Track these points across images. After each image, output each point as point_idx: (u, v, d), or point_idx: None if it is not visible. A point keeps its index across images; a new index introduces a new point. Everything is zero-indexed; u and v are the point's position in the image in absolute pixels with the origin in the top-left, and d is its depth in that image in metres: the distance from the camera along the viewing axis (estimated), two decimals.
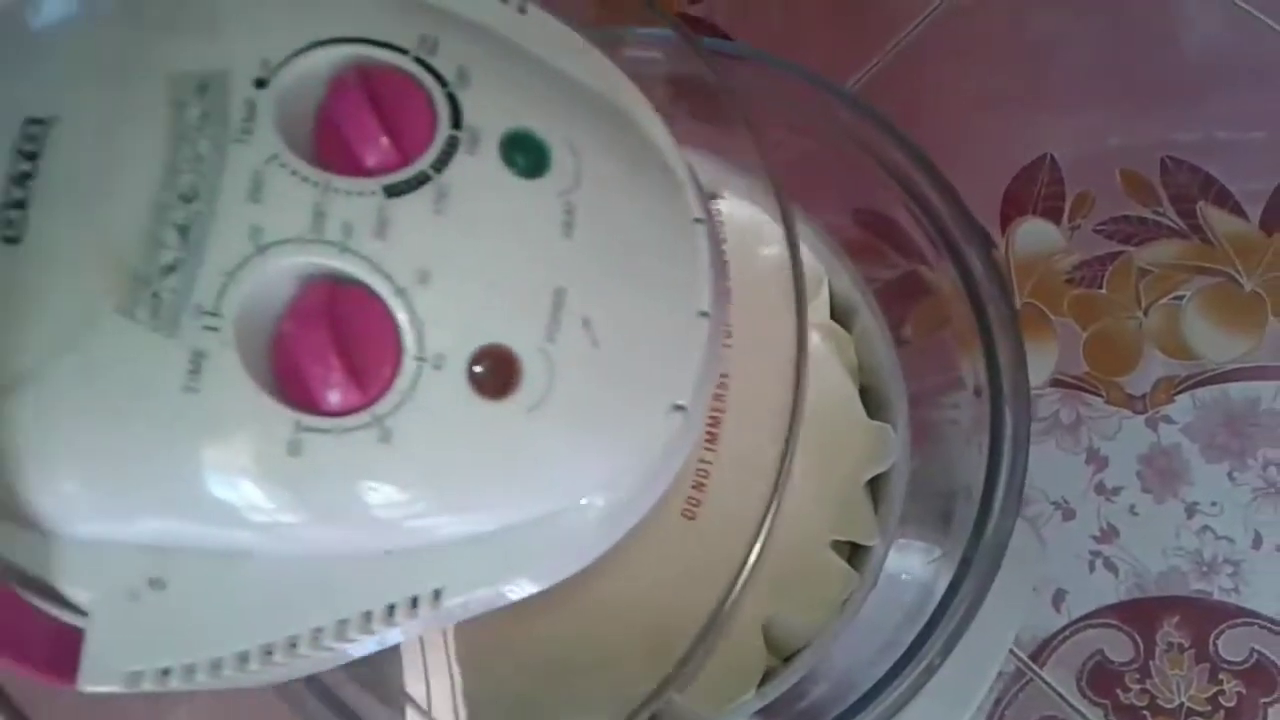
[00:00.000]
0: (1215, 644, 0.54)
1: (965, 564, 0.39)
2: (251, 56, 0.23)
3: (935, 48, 0.67)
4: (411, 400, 0.23)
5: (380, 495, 0.23)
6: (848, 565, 0.41)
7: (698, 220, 0.26)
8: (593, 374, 0.24)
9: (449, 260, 0.23)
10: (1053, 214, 0.63)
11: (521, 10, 0.26)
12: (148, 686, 0.24)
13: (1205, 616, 0.54)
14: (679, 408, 0.25)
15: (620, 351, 0.24)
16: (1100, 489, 0.57)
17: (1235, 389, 0.58)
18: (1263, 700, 0.53)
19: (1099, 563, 0.56)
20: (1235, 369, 0.59)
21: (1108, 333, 0.60)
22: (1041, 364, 0.60)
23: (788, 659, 0.41)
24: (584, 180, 0.25)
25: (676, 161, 0.27)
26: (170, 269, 0.22)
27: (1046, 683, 0.54)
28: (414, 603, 0.24)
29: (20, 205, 0.23)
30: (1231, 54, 0.65)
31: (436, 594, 0.24)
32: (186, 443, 0.23)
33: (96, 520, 0.24)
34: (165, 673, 0.24)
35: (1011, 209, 0.63)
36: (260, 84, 0.23)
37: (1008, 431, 0.40)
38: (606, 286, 0.25)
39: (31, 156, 0.23)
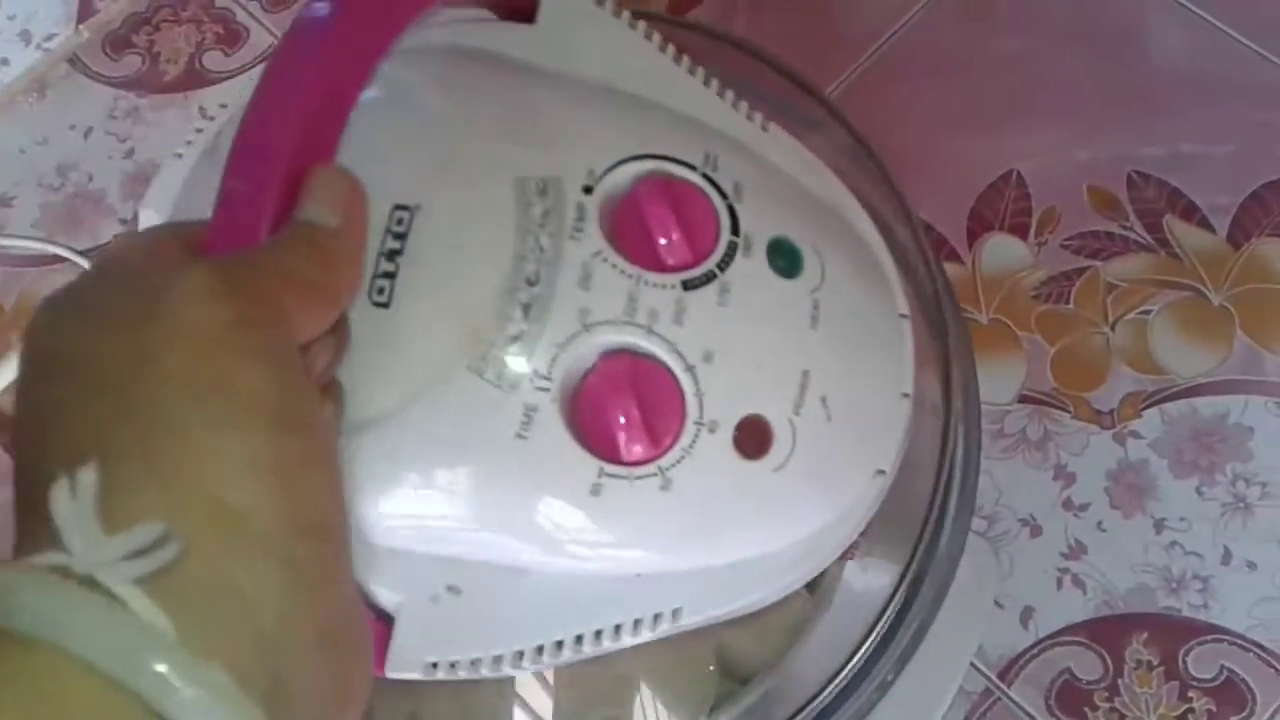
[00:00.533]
0: (1185, 661, 0.54)
1: (916, 582, 0.39)
2: (580, 167, 0.29)
3: (902, 64, 0.67)
4: (690, 456, 0.28)
5: (654, 532, 0.29)
6: (803, 588, 0.40)
7: (903, 315, 0.32)
8: (825, 442, 0.30)
9: (727, 344, 0.28)
10: (1019, 230, 0.63)
11: (764, 129, 0.32)
12: (440, 676, 0.29)
13: (1174, 633, 0.54)
14: (881, 472, 0.31)
15: (846, 424, 0.30)
16: (1068, 505, 0.57)
17: (1203, 404, 0.58)
18: (1234, 718, 0.53)
19: (1067, 580, 0.55)
20: (1203, 384, 0.58)
21: (1075, 348, 0.60)
22: (1009, 380, 0.59)
23: (744, 681, 0.41)
24: (826, 280, 0.30)
25: (887, 262, 0.33)
26: (515, 339, 0.27)
27: (1014, 701, 0.53)
28: (656, 619, 0.29)
29: (390, 276, 0.27)
30: (1197, 68, 0.65)
31: (675, 613, 0.29)
32: (513, 478, 0.28)
33: (416, 537, 0.28)
34: (454, 665, 0.29)
35: (978, 225, 0.63)
36: (587, 190, 0.29)
37: (959, 448, 0.40)
38: (840, 370, 0.30)
39: (400, 237, 0.27)
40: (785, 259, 0.30)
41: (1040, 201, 0.63)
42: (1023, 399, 0.59)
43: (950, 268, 0.62)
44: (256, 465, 0.21)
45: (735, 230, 0.29)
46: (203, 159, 0.36)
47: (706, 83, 0.33)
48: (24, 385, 0.22)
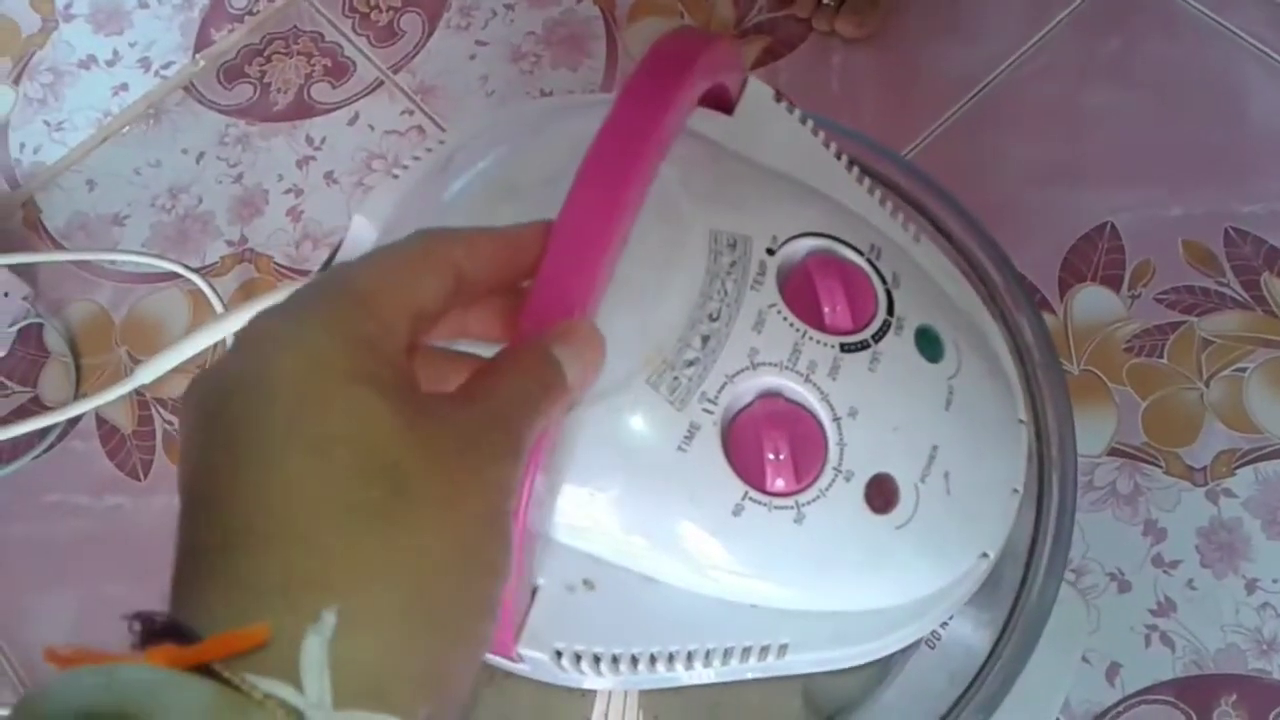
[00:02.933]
0: None
1: (1006, 629, 0.38)
2: (766, 232, 0.32)
3: (994, 115, 0.67)
4: (824, 498, 0.31)
5: (779, 563, 0.31)
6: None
7: (1021, 421, 0.35)
8: (943, 513, 0.32)
9: (872, 406, 0.31)
10: (1112, 282, 0.62)
11: (917, 240, 0.36)
12: (564, 664, 0.31)
13: (1264, 696, 0.53)
14: (986, 556, 0.33)
15: (962, 502, 0.32)
16: (1158, 561, 0.56)
17: None
18: None
19: (1155, 637, 0.55)
20: None
21: (1168, 403, 0.59)
22: (1099, 433, 0.59)
23: (828, 718, 0.41)
24: (961, 372, 0.33)
25: (1012, 373, 0.36)
26: (691, 363, 0.30)
27: None
28: (764, 650, 0.31)
29: None
30: None
31: (782, 648, 0.31)
32: (667, 486, 0.30)
33: (567, 529, 0.31)
34: (578, 656, 0.31)
35: (1070, 275, 0.63)
36: (770, 252, 0.32)
37: (1053, 497, 0.40)
38: (964, 453, 0.32)
39: None
40: (930, 345, 0.33)
41: (1134, 254, 0.63)
42: (1113, 452, 0.58)
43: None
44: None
45: (890, 311, 0.33)
46: (428, 178, 0.38)
47: (870, 191, 0.37)
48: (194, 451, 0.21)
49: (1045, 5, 0.70)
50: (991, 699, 0.37)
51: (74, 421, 0.65)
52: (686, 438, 0.30)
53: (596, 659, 0.31)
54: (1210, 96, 0.66)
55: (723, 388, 0.31)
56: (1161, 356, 0.60)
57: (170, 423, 0.65)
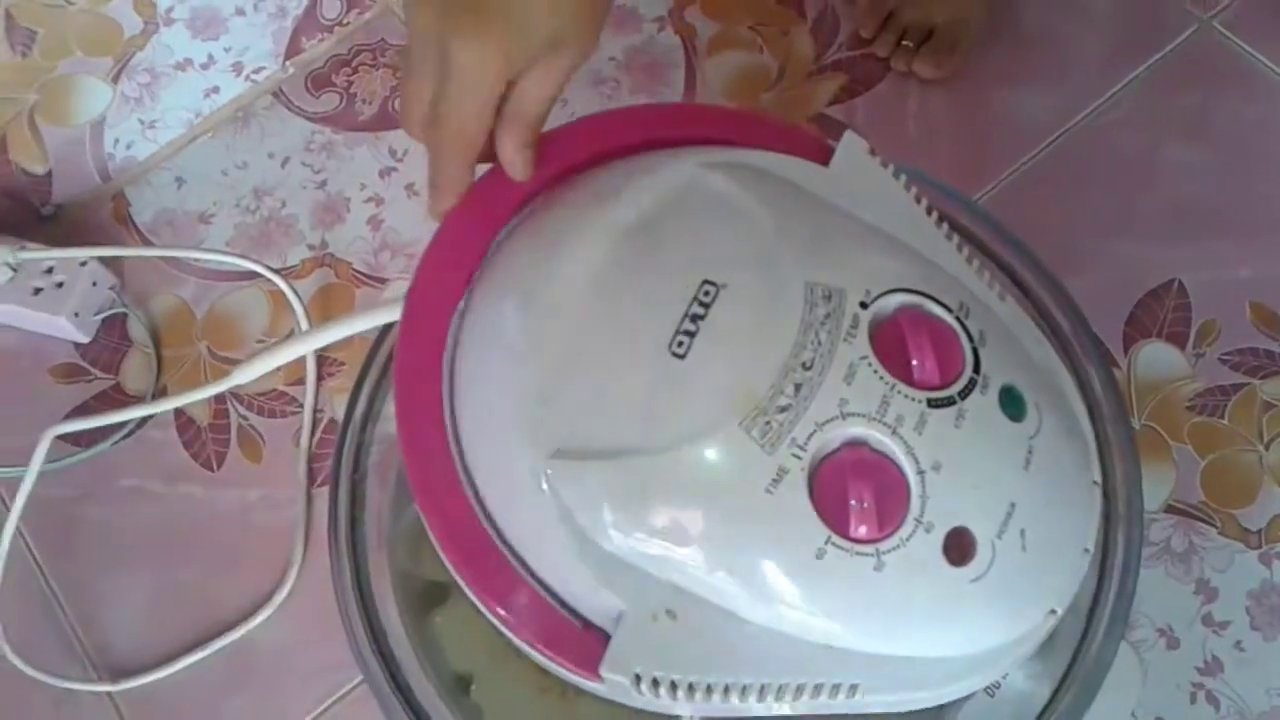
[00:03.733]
0: None
1: (1064, 682, 0.39)
2: (860, 286, 0.34)
3: (1067, 165, 0.68)
4: (904, 547, 0.32)
5: (856, 607, 0.32)
6: None
7: (1095, 483, 0.36)
8: (1017, 569, 0.33)
9: (955, 461, 0.32)
10: (1177, 339, 0.63)
11: (1002, 298, 0.38)
12: (644, 689, 0.32)
13: None
14: (1054, 613, 0.34)
15: (1036, 559, 0.33)
16: (1208, 620, 0.56)
17: None
18: None
19: (1201, 695, 0.55)
20: None
21: (1227, 463, 0.60)
22: (1157, 489, 0.59)
23: None
24: (1042, 432, 0.34)
25: (1088, 434, 0.37)
26: (783, 409, 0.32)
27: None
28: (835, 689, 0.33)
29: (691, 335, 0.33)
30: None
31: (853, 688, 0.33)
32: (753, 526, 0.32)
33: (654, 560, 0.32)
34: (656, 683, 0.32)
35: (1135, 331, 0.63)
36: (863, 305, 0.34)
37: (1118, 555, 0.41)
38: (1040, 511, 0.34)
39: (705, 305, 0.33)
40: (1013, 404, 0.34)
41: (1200, 313, 0.63)
42: (1169, 509, 0.59)
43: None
44: None
45: (977, 369, 0.34)
46: None
47: (959, 248, 0.38)
48: None
49: (1123, 59, 0.71)
50: None
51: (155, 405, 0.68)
52: (775, 481, 0.32)
53: (674, 685, 0.32)
54: None
55: (812, 435, 0.32)
56: (1223, 417, 0.61)
57: (245, 418, 0.67)
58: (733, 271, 0.33)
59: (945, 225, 0.39)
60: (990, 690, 0.41)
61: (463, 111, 0.35)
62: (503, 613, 0.34)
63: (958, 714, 0.41)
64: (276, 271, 0.69)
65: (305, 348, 0.57)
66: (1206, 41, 0.71)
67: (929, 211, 0.39)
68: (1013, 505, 0.33)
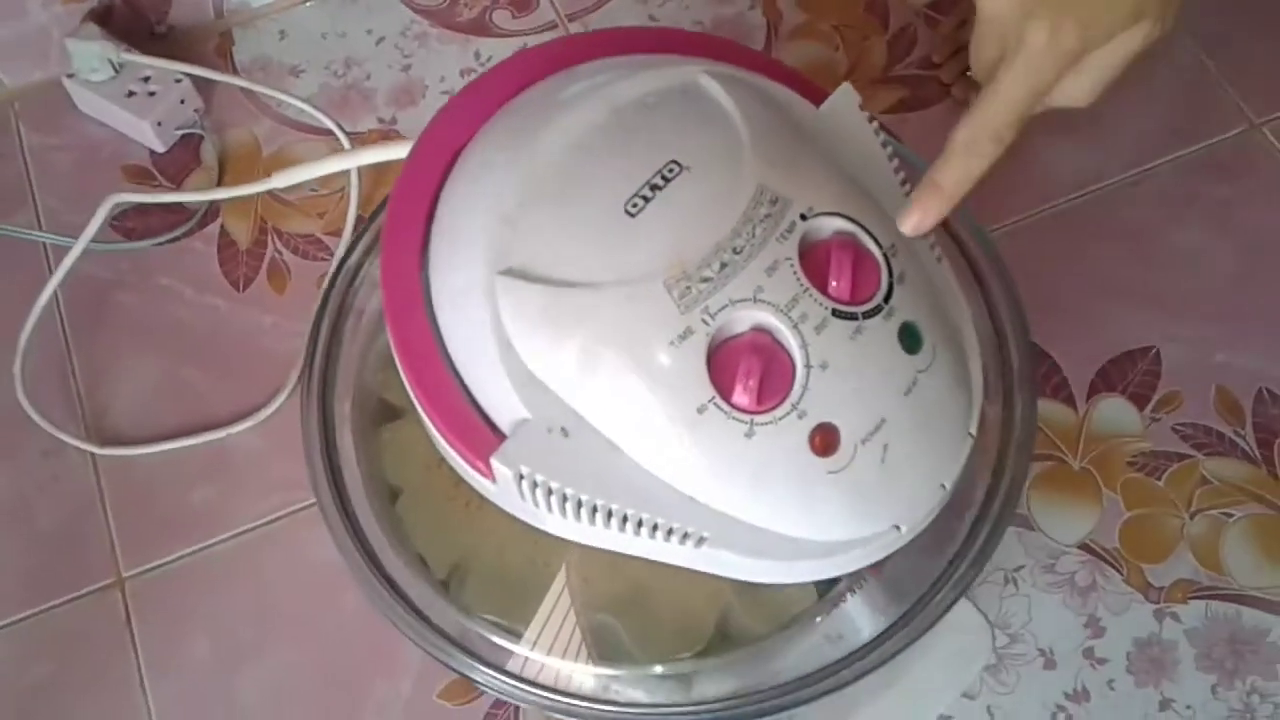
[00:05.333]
0: None
1: (906, 619, 0.43)
2: (806, 201, 0.38)
3: (1081, 225, 0.71)
4: (776, 425, 0.36)
5: (722, 466, 0.36)
6: (812, 587, 0.45)
7: (970, 435, 0.40)
8: (872, 477, 0.37)
9: (842, 365, 0.37)
10: (1139, 400, 0.66)
11: (939, 260, 0.42)
12: (524, 488, 0.37)
13: None
14: (898, 529, 0.39)
15: (892, 474, 0.38)
16: (1089, 654, 0.60)
17: (1250, 614, 0.60)
18: None
19: (1061, 717, 0.58)
20: (1258, 597, 0.61)
21: (1150, 521, 0.63)
22: (1077, 526, 0.63)
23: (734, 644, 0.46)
24: (931, 370, 0.38)
25: (978, 394, 0.41)
26: (705, 280, 0.36)
27: None
28: (686, 537, 0.37)
29: (646, 200, 0.37)
30: None
31: (701, 539, 0.37)
32: (649, 372, 0.36)
33: (562, 381, 0.37)
34: (535, 485, 0.36)
35: (1102, 383, 0.67)
36: (803, 217, 0.38)
37: (985, 526, 0.45)
38: (907, 435, 0.38)
39: (666, 180, 0.38)
40: (911, 339, 0.38)
41: (1168, 383, 0.66)
42: (1084, 547, 0.62)
43: (1061, 410, 0.66)
44: None
45: (887, 299, 0.38)
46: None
47: (908, 198, 0.42)
48: None
49: (1165, 139, 0.74)
50: (867, 665, 0.42)
51: (203, 223, 0.74)
52: (680, 336, 0.36)
53: (550, 492, 0.36)
54: None
55: (723, 308, 0.36)
56: (1159, 479, 0.64)
57: (280, 252, 0.73)
58: (698, 159, 0.38)
59: (909, 187, 0.43)
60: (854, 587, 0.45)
61: (1027, 91, 0.39)
62: (428, 404, 0.39)
63: (806, 628, 0.45)
64: (345, 132, 0.75)
65: (344, 164, 0.63)
66: (1250, 144, 0.74)
67: (897, 172, 0.43)
68: (883, 420, 0.37)
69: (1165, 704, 0.58)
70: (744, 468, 0.36)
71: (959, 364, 0.40)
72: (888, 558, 0.45)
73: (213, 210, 0.74)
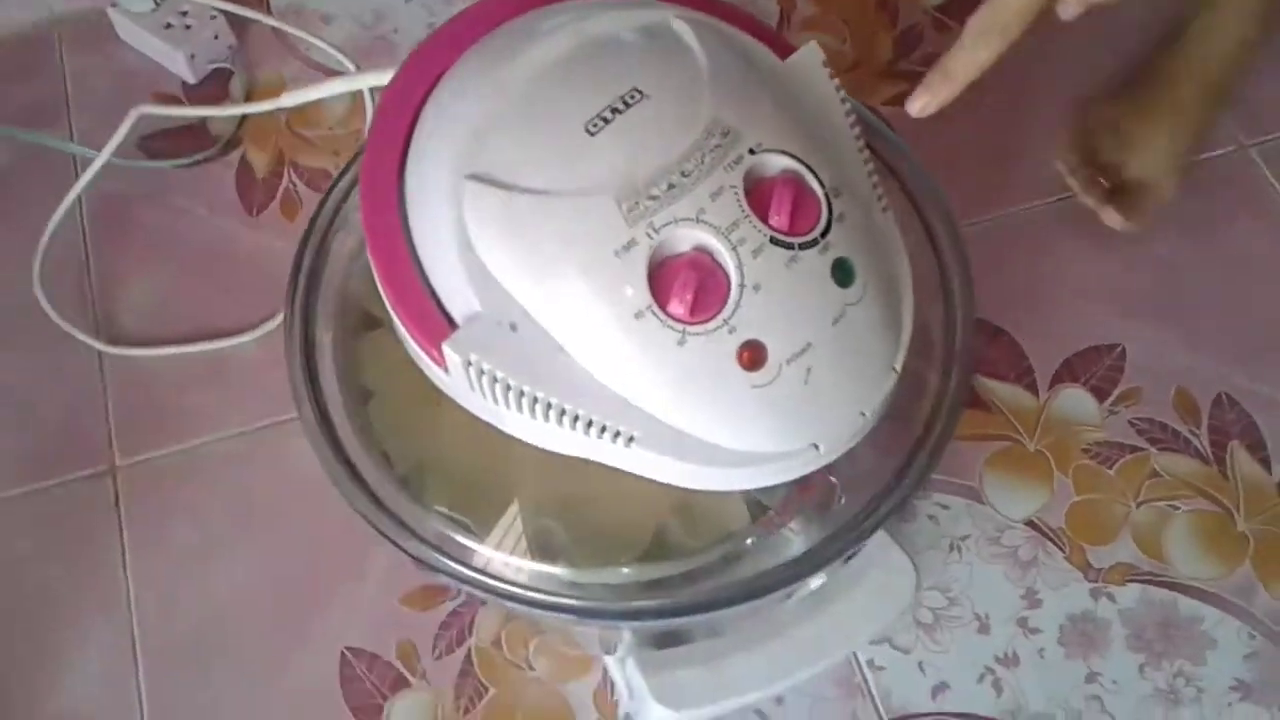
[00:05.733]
0: None
1: (829, 543, 0.46)
2: (756, 137, 0.41)
3: (1062, 225, 0.74)
4: (705, 338, 0.39)
5: (654, 371, 0.39)
6: (742, 509, 0.48)
7: (894, 370, 0.42)
8: (794, 395, 0.40)
9: (774, 288, 0.39)
10: (1099, 393, 0.68)
11: (884, 209, 0.45)
12: (472, 375, 0.39)
13: None
14: (816, 448, 0.41)
15: (814, 395, 0.40)
16: (1023, 623, 0.62)
17: (1185, 603, 0.62)
18: None
19: (989, 679, 0.61)
20: (1194, 587, 0.63)
21: (1096, 506, 0.65)
22: (1025, 503, 0.65)
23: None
24: (861, 305, 0.41)
25: (907, 333, 0.43)
26: (653, 198, 0.39)
27: None
28: (616, 435, 0.39)
29: (606, 121, 0.40)
30: None
31: (630, 439, 0.40)
32: (593, 277, 0.39)
33: (513, 277, 0.39)
34: (482, 373, 0.39)
35: (1065, 373, 0.69)
36: (751, 151, 0.40)
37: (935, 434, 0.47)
38: (831, 361, 0.40)
39: (627, 105, 0.40)
40: (844, 274, 0.41)
41: (1130, 379, 0.69)
42: (1029, 524, 0.65)
43: (1022, 394, 0.68)
44: None
45: (824, 235, 0.41)
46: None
47: (865, 162, 0.45)
48: None
49: None
50: (790, 579, 0.45)
51: (225, 151, 0.77)
52: (625, 247, 0.39)
53: (495, 380, 0.39)
54: (1267, 277, 0.72)
55: (667, 225, 0.39)
56: (1111, 468, 0.66)
57: (294, 184, 0.76)
58: (659, 89, 0.41)
59: (864, 147, 0.45)
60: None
61: None
62: (392, 294, 0.42)
63: (739, 548, 0.48)
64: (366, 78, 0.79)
65: (349, 86, 0.66)
66: (1239, 163, 0.77)
67: (853, 126, 0.45)
68: (809, 344, 0.40)
69: (1092, 676, 0.61)
70: (674, 373, 0.39)
71: (890, 304, 0.43)
72: (817, 488, 0.48)
73: (234, 140, 0.78)
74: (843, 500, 0.49)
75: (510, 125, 0.41)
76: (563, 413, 0.40)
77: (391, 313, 0.43)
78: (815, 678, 0.60)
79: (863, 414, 0.42)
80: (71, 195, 0.72)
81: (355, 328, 0.54)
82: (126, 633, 0.63)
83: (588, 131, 0.40)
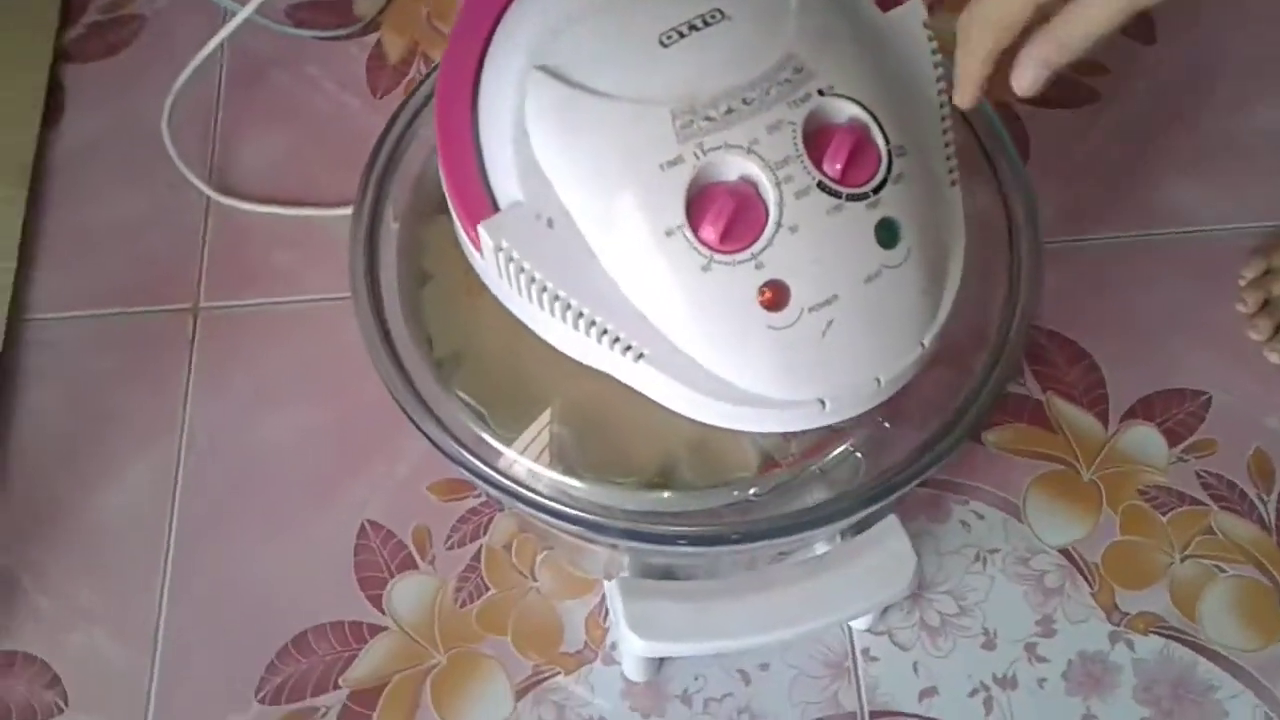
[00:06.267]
0: None
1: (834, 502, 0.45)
2: (828, 79, 0.40)
3: (1179, 259, 0.70)
4: (731, 268, 0.39)
5: (677, 291, 0.39)
6: (752, 458, 0.48)
7: (922, 345, 0.42)
8: (810, 345, 0.40)
9: (811, 233, 0.39)
10: (1172, 437, 0.65)
11: (953, 183, 0.44)
12: (501, 262, 0.40)
13: None
14: (822, 403, 0.41)
15: (829, 352, 0.40)
16: (1030, 649, 0.60)
17: (1206, 667, 0.60)
18: None
19: (981, 695, 0.59)
20: (1220, 654, 0.60)
21: (1139, 550, 0.63)
22: (1066, 530, 0.63)
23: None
24: (901, 269, 0.40)
25: (944, 313, 0.42)
26: (709, 119, 0.39)
27: None
28: (627, 348, 0.40)
29: (681, 35, 0.40)
30: None
31: (640, 355, 0.40)
32: (635, 186, 0.39)
33: (557, 171, 0.40)
34: (510, 261, 0.40)
35: (1141, 410, 0.66)
36: (820, 93, 0.40)
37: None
38: (855, 318, 0.40)
39: (706, 23, 0.40)
40: (888, 233, 0.40)
41: (1208, 430, 0.65)
42: (1064, 552, 0.62)
43: (1091, 421, 0.66)
44: None
45: (876, 191, 0.40)
46: None
47: (944, 133, 0.44)
48: None
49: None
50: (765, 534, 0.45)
51: (364, 32, 0.80)
52: (670, 163, 0.39)
53: (521, 270, 0.40)
54: None
55: (717, 149, 0.39)
56: (1165, 515, 0.63)
57: (420, 75, 0.78)
58: (742, 12, 0.40)
59: (948, 113, 0.44)
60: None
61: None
62: (446, 167, 0.43)
63: (744, 493, 0.48)
64: None
65: None
66: None
67: (941, 94, 0.44)
68: (835, 296, 0.39)
69: (1089, 718, 0.59)
70: (694, 298, 0.39)
71: (935, 278, 0.42)
72: (829, 447, 0.47)
73: (375, 23, 0.80)
74: (862, 468, 0.49)
75: (586, 24, 0.41)
76: (580, 315, 0.40)
77: (448, 194, 0.44)
78: (806, 654, 0.60)
79: (878, 380, 0.41)
80: (211, 44, 0.75)
81: (424, 212, 0.56)
82: (173, 462, 0.66)
83: (661, 43, 0.40)
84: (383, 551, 0.63)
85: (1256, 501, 0.64)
